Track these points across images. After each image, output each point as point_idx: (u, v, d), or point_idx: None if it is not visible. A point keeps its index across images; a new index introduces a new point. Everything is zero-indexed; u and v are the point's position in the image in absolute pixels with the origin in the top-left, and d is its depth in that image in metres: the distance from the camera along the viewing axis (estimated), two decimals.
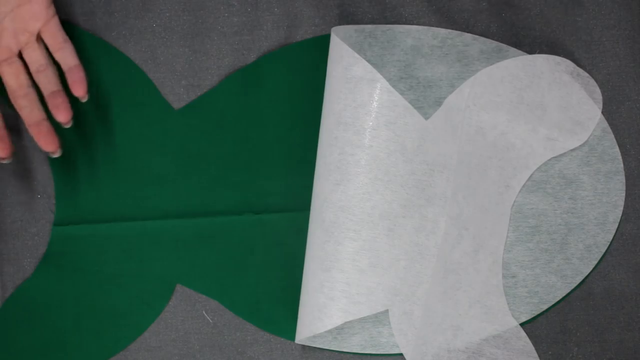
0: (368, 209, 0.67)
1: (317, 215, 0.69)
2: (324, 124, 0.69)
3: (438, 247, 0.69)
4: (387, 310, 0.70)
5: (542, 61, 0.72)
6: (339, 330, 0.70)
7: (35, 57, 0.70)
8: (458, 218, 0.69)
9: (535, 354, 0.69)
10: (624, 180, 0.73)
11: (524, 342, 0.70)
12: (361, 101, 0.67)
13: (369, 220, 0.67)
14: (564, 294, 0.72)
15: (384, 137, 0.67)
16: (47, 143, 0.69)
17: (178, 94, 0.75)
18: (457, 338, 0.69)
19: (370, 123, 0.67)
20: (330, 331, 0.70)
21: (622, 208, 0.73)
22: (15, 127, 0.75)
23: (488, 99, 0.70)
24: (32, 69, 0.70)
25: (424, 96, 0.74)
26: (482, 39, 0.74)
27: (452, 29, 0.75)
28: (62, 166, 0.74)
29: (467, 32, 0.75)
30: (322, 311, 0.67)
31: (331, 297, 0.67)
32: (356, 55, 0.67)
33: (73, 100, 0.75)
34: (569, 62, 0.72)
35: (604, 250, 0.72)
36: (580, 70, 0.73)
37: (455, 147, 0.70)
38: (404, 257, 0.68)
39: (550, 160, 0.73)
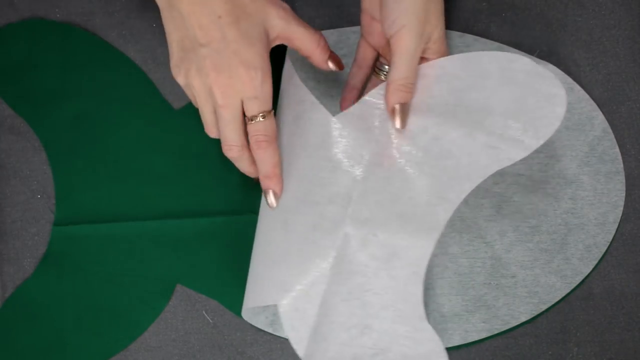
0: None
1: None
2: None
3: (337, 248, 0.64)
4: None
5: (489, 59, 0.63)
6: None
7: None
8: (365, 222, 0.64)
9: (446, 356, 0.63)
10: (624, 181, 0.73)
11: (436, 345, 0.63)
12: (279, 97, 0.69)
13: (267, 212, 0.67)
14: (563, 294, 0.72)
15: (290, 131, 0.67)
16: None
17: (178, 94, 0.75)
18: (365, 336, 0.64)
19: (282, 118, 0.68)
20: None
21: (622, 208, 0.73)
22: (16, 127, 0.75)
23: (419, 99, 0.64)
24: None
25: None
26: (484, 39, 0.74)
27: (452, 29, 0.75)
28: (62, 166, 0.74)
29: (467, 32, 0.75)
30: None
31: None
32: (288, 58, 0.69)
33: (73, 99, 0.75)
34: (526, 59, 0.63)
35: (604, 251, 0.72)
36: (542, 69, 0.62)
37: (370, 147, 0.65)
38: (297, 254, 0.65)
39: (550, 160, 0.73)
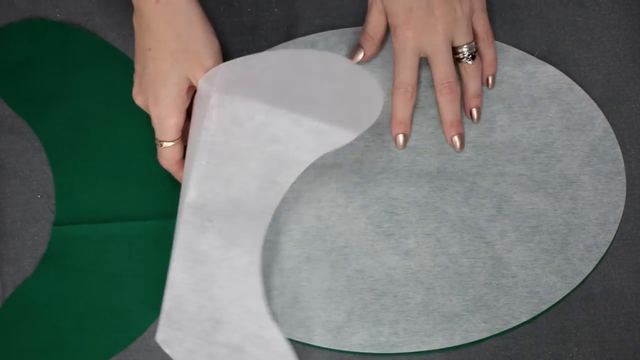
0: None
1: None
2: None
3: (180, 235, 0.67)
4: (386, 310, 0.71)
5: (311, 57, 0.67)
6: (339, 329, 0.71)
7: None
8: (201, 208, 0.67)
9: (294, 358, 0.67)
10: (625, 181, 0.73)
11: (284, 346, 0.67)
12: None
13: None
14: (564, 294, 0.72)
15: None
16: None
17: None
18: (217, 332, 0.67)
19: None
20: (330, 330, 0.71)
21: (622, 208, 0.73)
22: (16, 127, 0.75)
23: (245, 88, 0.66)
24: None
25: (425, 96, 0.74)
26: None
27: None
28: (62, 166, 0.74)
29: None
30: None
31: None
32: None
33: (73, 99, 0.75)
34: (345, 59, 0.65)
35: (604, 251, 0.72)
36: (360, 69, 0.65)
37: (202, 135, 0.66)
38: (175, 245, 0.69)
39: (550, 160, 0.73)
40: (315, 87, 0.65)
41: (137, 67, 0.68)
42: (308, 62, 0.66)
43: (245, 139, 0.65)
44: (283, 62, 0.66)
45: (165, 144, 0.69)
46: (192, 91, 0.68)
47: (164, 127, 0.68)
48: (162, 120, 0.68)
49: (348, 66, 0.65)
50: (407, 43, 0.70)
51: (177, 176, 0.72)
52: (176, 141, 0.69)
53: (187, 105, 0.68)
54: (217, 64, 0.67)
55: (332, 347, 0.71)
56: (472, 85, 0.73)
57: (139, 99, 0.69)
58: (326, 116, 0.64)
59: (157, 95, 0.67)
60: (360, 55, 0.74)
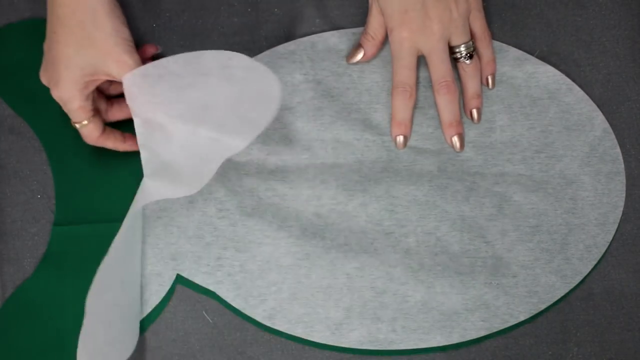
0: None
1: None
2: None
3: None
4: (385, 308, 0.71)
5: (208, 57, 0.66)
6: (337, 326, 0.71)
7: None
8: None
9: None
10: (625, 181, 0.73)
11: None
12: None
13: None
14: (563, 294, 0.72)
15: None
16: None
17: None
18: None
19: None
20: (328, 326, 0.71)
21: (622, 209, 0.73)
22: (16, 127, 0.75)
23: (144, 100, 0.67)
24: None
25: (425, 96, 0.75)
26: None
27: None
28: (62, 166, 0.74)
29: None
30: None
31: None
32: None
33: None
34: (243, 56, 0.65)
35: (603, 251, 0.72)
36: (259, 65, 0.64)
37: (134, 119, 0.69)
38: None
39: (550, 160, 0.73)
40: (213, 91, 0.65)
41: (45, 46, 0.68)
42: (206, 63, 0.66)
43: (161, 140, 0.68)
44: (178, 67, 0.66)
45: (78, 125, 0.70)
46: (102, 79, 0.68)
47: (70, 111, 0.69)
48: (66, 103, 0.68)
49: (246, 63, 0.64)
50: (404, 43, 0.71)
51: (106, 145, 0.72)
52: (89, 120, 0.69)
53: (90, 89, 0.68)
54: (127, 52, 0.66)
55: (331, 344, 0.71)
56: (471, 85, 0.73)
57: (44, 78, 0.69)
58: (222, 123, 0.65)
59: (57, 78, 0.67)
60: (360, 55, 0.74)
